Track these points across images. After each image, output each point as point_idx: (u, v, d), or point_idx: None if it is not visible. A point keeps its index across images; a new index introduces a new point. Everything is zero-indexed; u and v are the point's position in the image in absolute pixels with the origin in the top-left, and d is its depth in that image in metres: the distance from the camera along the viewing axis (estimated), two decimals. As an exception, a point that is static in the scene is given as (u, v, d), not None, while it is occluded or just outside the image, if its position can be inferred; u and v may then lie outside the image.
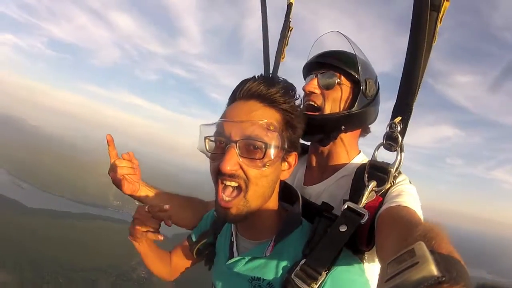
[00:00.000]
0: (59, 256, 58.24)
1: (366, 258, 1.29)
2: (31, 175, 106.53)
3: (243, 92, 1.14)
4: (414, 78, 1.14)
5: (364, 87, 1.45)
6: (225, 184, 1.09)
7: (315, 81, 1.49)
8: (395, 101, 1.20)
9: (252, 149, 1.05)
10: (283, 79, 1.22)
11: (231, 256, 1.30)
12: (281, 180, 1.24)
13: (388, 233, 1.02)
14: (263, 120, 1.06)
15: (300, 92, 1.25)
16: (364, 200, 1.18)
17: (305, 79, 1.61)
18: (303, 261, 1.05)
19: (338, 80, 1.46)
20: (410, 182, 1.28)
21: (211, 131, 1.14)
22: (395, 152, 1.21)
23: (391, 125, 1.18)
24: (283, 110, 1.13)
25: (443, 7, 1.10)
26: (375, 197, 1.21)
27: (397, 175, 1.24)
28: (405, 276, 0.54)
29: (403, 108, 1.17)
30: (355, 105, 1.45)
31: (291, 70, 1.68)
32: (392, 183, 1.23)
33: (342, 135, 1.48)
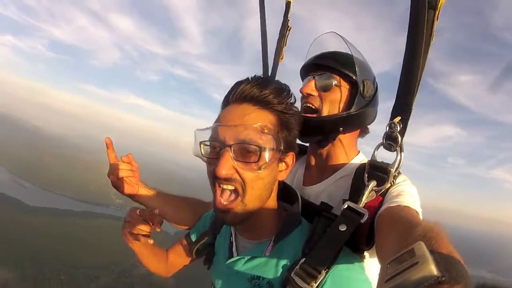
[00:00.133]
0: (61, 253, 58.39)
1: (366, 257, 1.29)
2: (33, 174, 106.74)
3: (236, 95, 1.13)
4: (413, 78, 1.13)
5: (361, 88, 1.45)
6: (222, 188, 1.09)
7: (312, 83, 1.48)
8: (394, 101, 1.20)
9: (246, 153, 1.05)
10: (277, 80, 1.23)
11: (231, 256, 1.30)
12: (280, 181, 1.24)
13: (388, 233, 1.03)
14: (256, 123, 1.06)
15: (297, 94, 1.25)
16: (364, 199, 1.19)
17: (302, 81, 1.61)
18: (302, 260, 1.05)
19: (336, 81, 1.46)
20: (410, 183, 1.28)
21: (206, 135, 1.14)
22: (395, 152, 1.21)
23: (391, 125, 1.18)
24: (277, 111, 1.12)
25: (439, 4, 1.09)
26: (375, 196, 1.21)
27: (397, 175, 1.24)
28: (405, 276, 0.54)
29: (403, 108, 1.17)
30: (353, 106, 1.44)
31: (291, 71, 1.67)
32: (392, 183, 1.23)
33: (341, 136, 1.48)
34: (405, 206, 1.13)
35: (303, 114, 1.41)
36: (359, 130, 1.56)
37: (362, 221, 1.08)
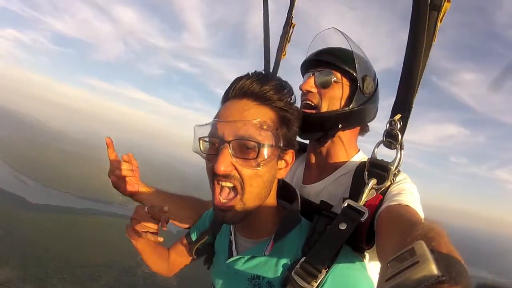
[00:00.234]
0: (63, 251, 58.51)
1: (366, 256, 1.29)
2: (35, 170, 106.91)
3: (236, 91, 1.13)
4: (413, 76, 1.14)
5: (361, 85, 1.44)
6: (221, 186, 1.09)
7: (311, 80, 1.48)
8: (394, 98, 1.20)
9: (245, 149, 1.05)
10: (278, 77, 1.23)
11: (230, 256, 1.30)
12: (279, 179, 1.24)
13: (388, 232, 1.03)
14: (256, 119, 1.05)
15: (297, 91, 1.25)
16: (364, 198, 1.18)
17: (303, 77, 1.60)
18: (303, 259, 1.05)
19: (335, 78, 1.45)
20: (410, 181, 1.28)
21: (206, 131, 1.13)
22: (395, 150, 1.20)
23: (391, 123, 1.17)
24: (277, 108, 1.12)
25: (443, 7, 1.10)
26: (375, 195, 1.21)
27: (397, 173, 1.23)
28: (406, 275, 0.54)
29: (403, 106, 1.17)
30: (353, 103, 1.44)
31: (296, 67, 1.67)
32: (392, 181, 1.23)
33: (341, 133, 1.48)
34: (405, 205, 1.12)
35: (303, 110, 1.41)
36: (359, 127, 1.55)
37: (363, 219, 1.07)
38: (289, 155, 1.19)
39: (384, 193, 1.22)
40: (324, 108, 1.46)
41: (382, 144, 1.25)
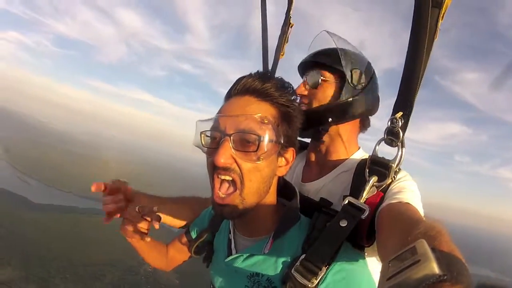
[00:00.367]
0: (66, 251, 58.63)
1: (366, 253, 1.29)
2: (38, 171, 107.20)
3: (238, 88, 1.15)
4: (415, 74, 1.14)
5: (350, 78, 1.46)
6: (221, 180, 1.09)
7: (302, 84, 1.52)
8: (396, 97, 1.20)
9: (246, 143, 1.06)
10: (279, 76, 1.24)
11: (230, 254, 1.30)
12: (280, 177, 1.25)
13: (389, 231, 1.02)
14: (257, 114, 1.07)
15: None
16: (365, 195, 1.18)
17: None
18: (303, 256, 1.05)
19: (322, 77, 1.49)
20: (411, 178, 1.28)
21: (207, 126, 1.14)
22: (396, 148, 1.21)
23: (392, 120, 1.18)
24: (279, 104, 1.13)
25: (444, 4, 1.10)
26: (376, 192, 1.21)
27: (398, 170, 1.24)
28: (407, 274, 0.54)
29: (405, 104, 1.17)
30: (341, 96, 1.46)
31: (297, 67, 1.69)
32: (393, 179, 1.23)
33: (340, 129, 1.49)
34: (406, 202, 1.12)
35: None
36: (358, 123, 1.55)
37: (363, 216, 1.07)
38: (290, 153, 1.19)
39: (385, 190, 1.22)
40: (315, 106, 1.49)
41: (383, 141, 1.25)
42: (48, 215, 73.08)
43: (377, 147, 1.28)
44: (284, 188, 1.33)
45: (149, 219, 1.34)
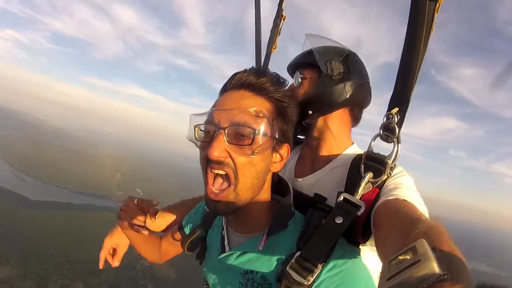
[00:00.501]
0: (63, 248, 58.64)
1: (361, 250, 1.27)
2: (34, 168, 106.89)
3: (234, 83, 1.14)
4: (411, 69, 1.13)
5: (325, 69, 1.46)
6: (215, 174, 1.07)
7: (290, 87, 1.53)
8: (392, 92, 1.19)
9: (240, 136, 1.04)
10: (275, 72, 1.23)
11: (223, 251, 1.28)
12: (274, 174, 1.24)
13: (388, 229, 1.01)
14: (252, 107, 1.05)
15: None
16: (361, 191, 1.17)
17: None
18: (298, 254, 1.03)
19: (301, 75, 1.52)
20: (407, 174, 1.26)
21: (202, 120, 1.13)
22: (392, 144, 1.20)
23: (388, 116, 1.17)
24: (274, 99, 1.12)
25: None
26: (371, 188, 1.19)
27: (393, 166, 1.22)
28: (407, 274, 0.54)
29: (401, 99, 1.16)
30: (319, 88, 1.47)
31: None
32: (389, 175, 1.21)
33: (329, 123, 1.49)
34: (403, 199, 1.10)
35: None
36: (347, 116, 1.54)
37: (359, 213, 1.05)
38: (284, 149, 1.17)
39: (380, 187, 1.20)
40: None
41: (379, 137, 1.24)
42: (44, 212, 72.96)
43: (372, 143, 1.26)
44: (278, 184, 1.31)
45: (147, 212, 1.35)
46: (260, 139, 1.04)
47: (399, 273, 0.56)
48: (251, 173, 1.07)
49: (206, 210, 1.49)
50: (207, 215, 1.47)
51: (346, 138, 1.55)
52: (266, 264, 1.13)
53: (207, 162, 1.07)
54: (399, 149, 1.19)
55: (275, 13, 1.93)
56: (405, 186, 1.19)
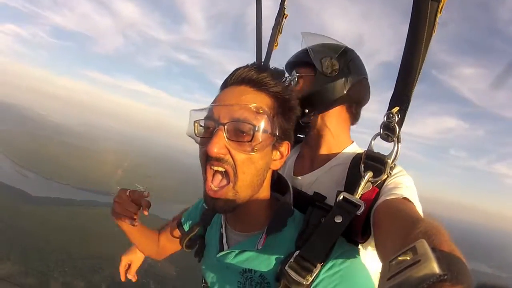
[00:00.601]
0: (64, 244, 58.71)
1: (360, 249, 1.26)
2: (35, 163, 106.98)
3: (234, 78, 1.13)
4: (412, 69, 1.12)
5: (320, 67, 1.46)
6: (214, 171, 1.06)
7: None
8: (393, 91, 1.18)
9: (240, 133, 1.03)
10: (276, 67, 1.23)
11: (222, 249, 1.27)
12: (274, 172, 1.23)
13: (388, 229, 1.00)
14: (252, 104, 1.04)
15: None
16: (360, 191, 1.16)
17: None
18: (297, 253, 1.02)
19: (297, 74, 1.52)
20: (406, 174, 1.26)
21: (202, 116, 1.12)
22: (392, 143, 1.19)
23: (389, 115, 1.16)
24: (275, 95, 1.11)
25: None
26: (371, 188, 1.19)
27: (393, 166, 1.21)
28: (407, 274, 0.54)
29: (401, 98, 1.15)
30: (314, 86, 1.47)
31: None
32: (389, 174, 1.21)
33: (326, 121, 1.49)
34: (403, 198, 1.10)
35: None
36: (345, 114, 1.53)
37: (359, 213, 1.05)
38: (285, 147, 1.16)
39: (380, 186, 1.20)
40: None
41: (379, 136, 1.23)
42: (46, 208, 73.09)
43: (372, 142, 1.26)
44: (278, 182, 1.30)
45: (139, 204, 1.35)
46: (260, 136, 1.03)
47: (399, 273, 0.56)
48: (250, 170, 1.06)
49: (205, 208, 1.48)
50: (206, 212, 1.46)
51: (345, 136, 1.54)
52: (265, 263, 1.12)
53: (206, 159, 1.06)
54: (399, 149, 1.18)
55: (277, 11, 1.93)
56: (405, 185, 1.18)
